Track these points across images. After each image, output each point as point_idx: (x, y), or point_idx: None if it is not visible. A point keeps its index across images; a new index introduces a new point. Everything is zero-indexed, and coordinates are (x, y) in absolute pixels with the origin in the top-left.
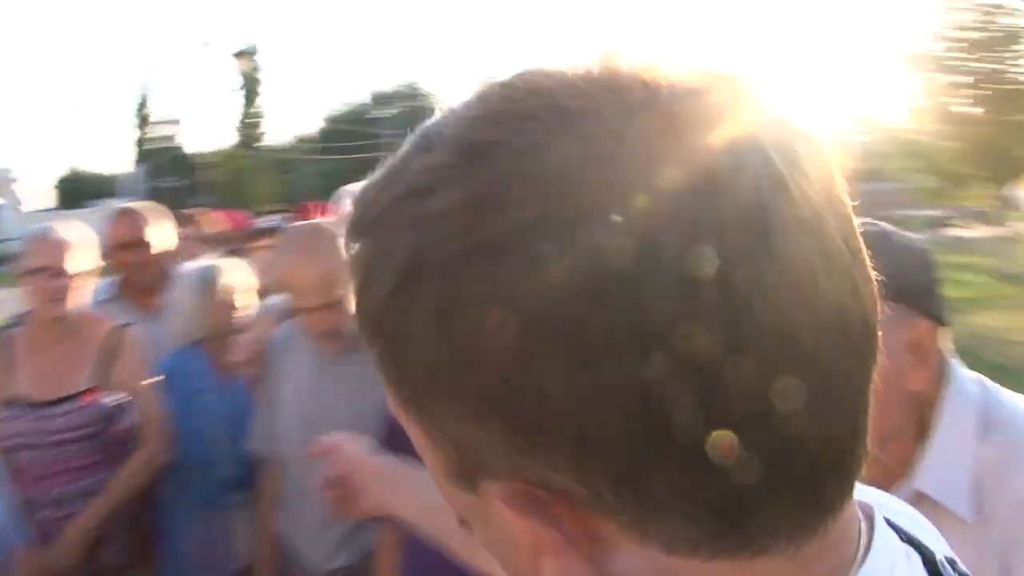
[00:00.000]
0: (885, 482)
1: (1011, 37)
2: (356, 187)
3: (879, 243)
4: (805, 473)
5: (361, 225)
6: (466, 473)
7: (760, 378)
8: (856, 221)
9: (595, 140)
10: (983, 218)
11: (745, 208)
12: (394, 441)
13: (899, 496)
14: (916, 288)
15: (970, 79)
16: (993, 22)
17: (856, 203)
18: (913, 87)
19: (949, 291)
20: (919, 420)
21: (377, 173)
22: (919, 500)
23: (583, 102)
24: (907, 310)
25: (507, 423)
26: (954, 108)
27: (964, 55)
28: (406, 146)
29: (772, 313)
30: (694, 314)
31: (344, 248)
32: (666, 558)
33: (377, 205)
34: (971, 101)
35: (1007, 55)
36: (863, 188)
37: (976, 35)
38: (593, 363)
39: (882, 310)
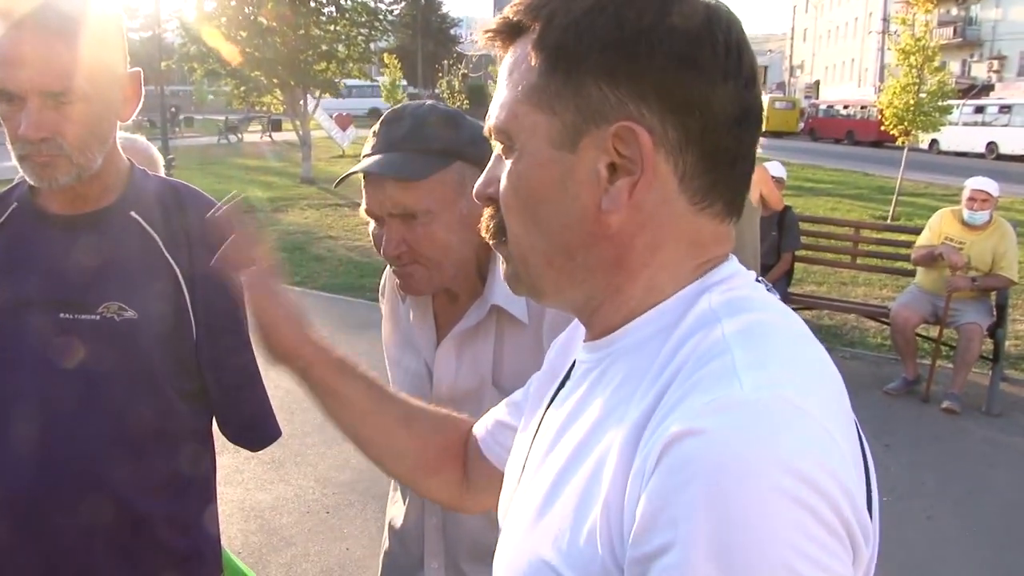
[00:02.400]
0: (458, 308)
1: None
2: None
3: (460, 120)
4: (748, 178)
5: None
6: (576, 130)
7: (755, 98)
8: None
9: None
10: (280, 124)
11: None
12: None
13: (479, 310)
14: (483, 154)
15: None
16: None
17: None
18: None
19: (259, 193)
20: (476, 256)
21: None
22: (494, 311)
23: None
24: (478, 170)
25: (634, 80)
26: (251, 16)
27: None
28: None
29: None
30: (742, 50)
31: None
32: (681, 201)
33: None
34: (267, 11)
35: None
36: (155, 90)
37: None
38: (691, 58)
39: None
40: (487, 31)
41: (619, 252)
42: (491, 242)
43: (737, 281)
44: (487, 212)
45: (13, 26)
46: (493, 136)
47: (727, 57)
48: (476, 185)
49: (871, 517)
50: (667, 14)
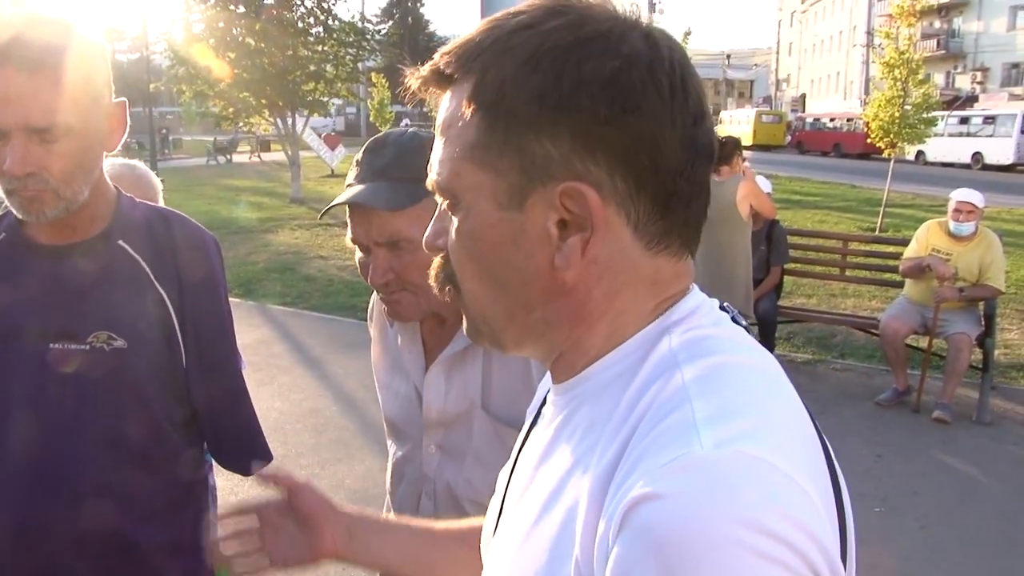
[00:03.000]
0: (446, 332)
1: None
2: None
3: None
4: (704, 210)
5: (479, 48)
6: (522, 190)
7: (705, 133)
8: None
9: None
10: (269, 144)
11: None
12: None
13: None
14: None
15: (250, 12)
16: None
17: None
18: (193, 11)
19: (249, 213)
20: None
21: (472, 32)
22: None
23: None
24: None
25: (577, 135)
26: (239, 37)
27: None
28: (489, 20)
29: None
30: (687, 86)
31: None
32: (636, 248)
33: (491, 35)
34: (255, 32)
35: None
36: (143, 112)
37: None
38: (634, 106)
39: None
40: (419, 78)
41: (577, 305)
42: (440, 295)
43: (699, 318)
44: (437, 262)
45: None
46: (436, 193)
47: (673, 98)
48: (426, 236)
49: (845, 567)
50: (605, 62)
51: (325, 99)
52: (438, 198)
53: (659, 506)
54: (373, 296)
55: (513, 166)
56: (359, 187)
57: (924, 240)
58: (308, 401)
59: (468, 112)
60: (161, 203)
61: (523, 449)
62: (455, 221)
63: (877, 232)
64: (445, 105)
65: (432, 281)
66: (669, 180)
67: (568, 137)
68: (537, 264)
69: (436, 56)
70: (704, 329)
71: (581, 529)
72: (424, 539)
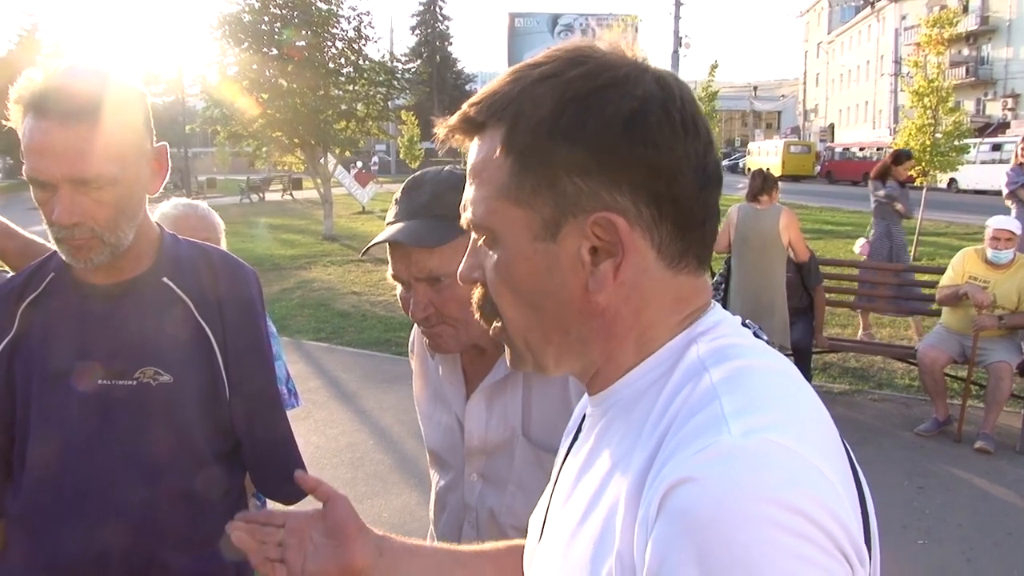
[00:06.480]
0: (486, 362)
1: (326, 17)
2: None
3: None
4: (715, 232)
5: (507, 98)
6: (555, 223)
7: (712, 161)
8: None
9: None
10: (300, 182)
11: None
12: None
13: (506, 363)
14: None
15: (282, 52)
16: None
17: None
18: (227, 55)
19: (282, 251)
20: None
21: (498, 83)
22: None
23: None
24: None
25: (604, 171)
26: (272, 79)
27: (279, 28)
28: (512, 72)
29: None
30: (696, 121)
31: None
32: (660, 267)
33: (517, 85)
34: (288, 73)
35: (322, 35)
36: (179, 152)
37: (289, 12)
38: (653, 141)
39: None
40: (447, 127)
41: (608, 323)
42: (485, 326)
43: (724, 328)
44: (477, 293)
45: (39, 115)
46: (473, 230)
47: (686, 132)
48: (461, 269)
49: (870, 556)
50: (624, 104)
51: (357, 136)
52: (473, 235)
53: (693, 488)
54: (414, 330)
55: (546, 202)
56: (399, 225)
57: (960, 268)
58: (344, 436)
59: (501, 156)
60: (223, 242)
61: (565, 462)
62: (492, 255)
63: (911, 261)
64: (475, 151)
65: (476, 314)
66: (686, 204)
67: (595, 172)
68: (571, 289)
69: (464, 106)
70: (728, 338)
71: (621, 522)
72: (452, 559)
